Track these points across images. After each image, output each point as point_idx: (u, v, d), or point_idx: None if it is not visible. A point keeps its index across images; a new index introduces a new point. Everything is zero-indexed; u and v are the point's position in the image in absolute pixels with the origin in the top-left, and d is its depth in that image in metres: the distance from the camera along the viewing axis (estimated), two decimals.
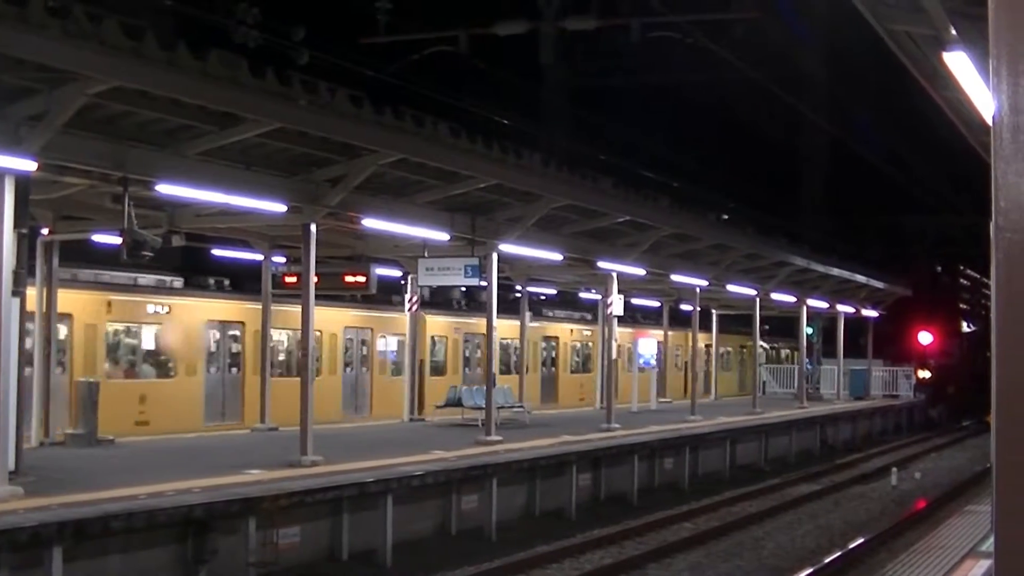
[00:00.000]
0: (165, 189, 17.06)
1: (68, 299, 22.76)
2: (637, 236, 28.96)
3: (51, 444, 20.80)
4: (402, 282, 30.04)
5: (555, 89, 57.99)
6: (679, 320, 45.86)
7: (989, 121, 3.26)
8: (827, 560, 18.53)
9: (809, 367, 55.38)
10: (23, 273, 15.62)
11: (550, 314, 42.68)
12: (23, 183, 14.66)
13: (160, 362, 26.94)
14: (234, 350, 28.81)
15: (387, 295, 31.27)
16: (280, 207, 18.77)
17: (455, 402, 29.55)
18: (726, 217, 39.14)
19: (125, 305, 25.87)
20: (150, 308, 26.48)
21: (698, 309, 36.82)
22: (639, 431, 28.63)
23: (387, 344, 34.21)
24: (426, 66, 30.73)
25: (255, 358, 27.79)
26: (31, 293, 23.30)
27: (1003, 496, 3.17)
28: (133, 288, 26.57)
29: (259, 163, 18.33)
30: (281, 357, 30.17)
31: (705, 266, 34.67)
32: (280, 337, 29.80)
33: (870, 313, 52.34)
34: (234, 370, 28.74)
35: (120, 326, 26.20)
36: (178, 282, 27.88)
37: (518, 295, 35.67)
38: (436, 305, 36.86)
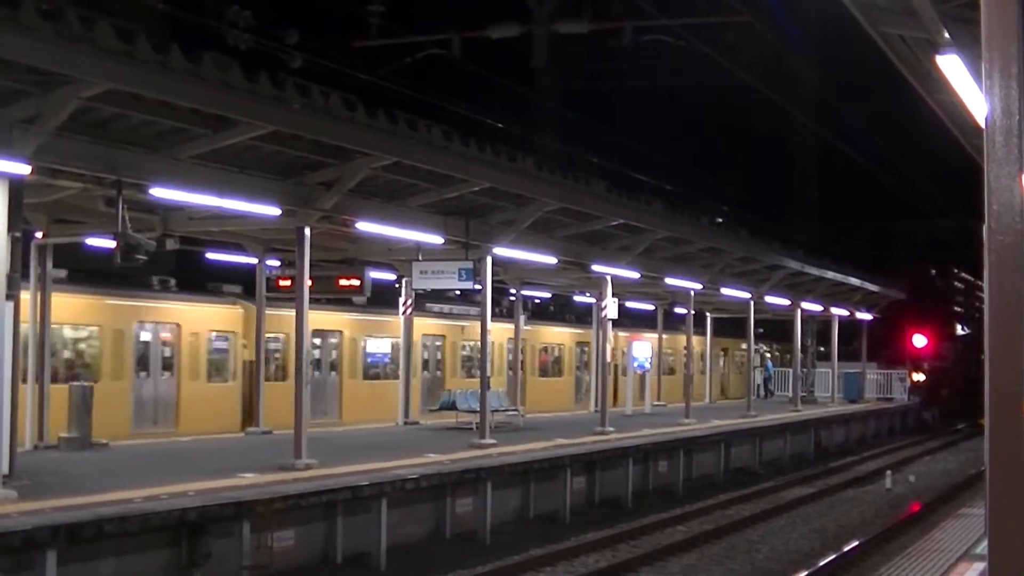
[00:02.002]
0: (159, 192, 17.01)
1: (440, 327, 35.44)
2: (631, 239, 28.95)
3: (45, 447, 20.77)
4: (396, 285, 30.01)
5: (548, 92, 58.10)
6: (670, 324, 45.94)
7: (982, 124, 3.27)
8: (821, 563, 18.52)
9: (769, 372, 55.41)
10: (17, 277, 15.58)
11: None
12: (17, 186, 14.64)
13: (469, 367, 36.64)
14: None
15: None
16: (274, 210, 18.75)
17: (449, 405, 29.47)
18: (720, 220, 39.14)
19: (472, 329, 33.87)
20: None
21: (692, 312, 36.83)
22: (633, 434, 28.61)
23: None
24: (419, 69, 30.75)
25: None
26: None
27: (996, 499, 3.17)
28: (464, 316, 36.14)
29: (253, 166, 18.31)
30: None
31: (699, 269, 34.67)
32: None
33: (864, 316, 52.39)
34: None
35: (466, 343, 36.75)
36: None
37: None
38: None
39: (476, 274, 23.80)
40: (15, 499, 14.36)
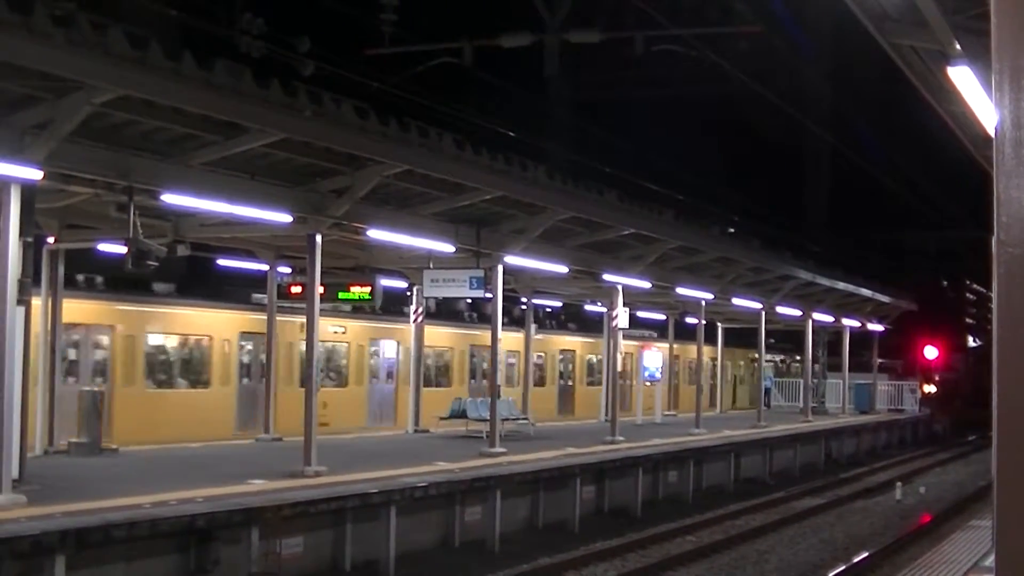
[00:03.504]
0: (170, 199, 17.06)
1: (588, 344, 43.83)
2: (642, 249, 28.95)
3: (55, 452, 20.81)
4: (407, 293, 30.06)
5: (560, 101, 58.03)
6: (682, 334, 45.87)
7: (992, 135, 3.25)
8: (831, 574, 18.49)
9: (769, 383, 55.24)
10: (28, 282, 15.63)
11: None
12: (29, 192, 14.69)
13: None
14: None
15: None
16: (285, 217, 18.78)
17: (459, 414, 29.49)
18: (731, 230, 39.08)
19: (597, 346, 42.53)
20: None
21: (703, 322, 36.80)
22: (643, 444, 28.58)
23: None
24: (431, 78, 30.72)
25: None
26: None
27: (1003, 510, 3.15)
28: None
29: (264, 173, 18.34)
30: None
31: (710, 279, 34.64)
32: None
33: (875, 327, 52.29)
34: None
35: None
36: None
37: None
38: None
39: (487, 282, 23.83)
40: (24, 504, 14.37)
